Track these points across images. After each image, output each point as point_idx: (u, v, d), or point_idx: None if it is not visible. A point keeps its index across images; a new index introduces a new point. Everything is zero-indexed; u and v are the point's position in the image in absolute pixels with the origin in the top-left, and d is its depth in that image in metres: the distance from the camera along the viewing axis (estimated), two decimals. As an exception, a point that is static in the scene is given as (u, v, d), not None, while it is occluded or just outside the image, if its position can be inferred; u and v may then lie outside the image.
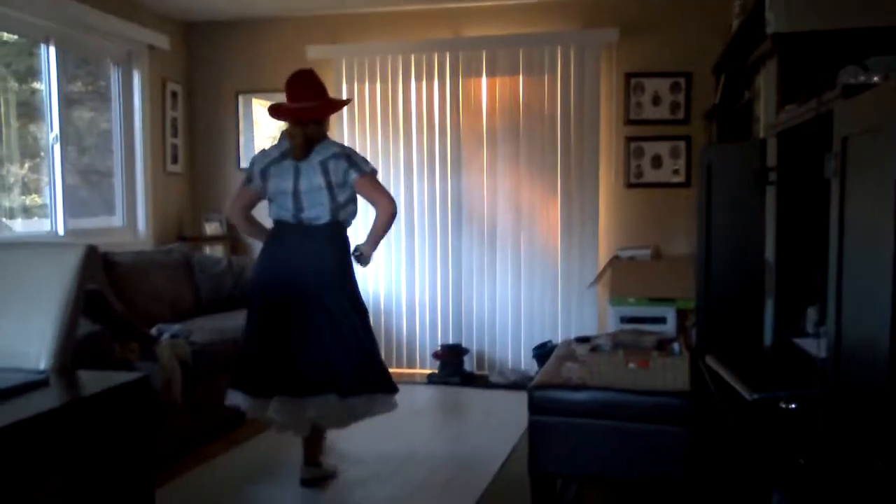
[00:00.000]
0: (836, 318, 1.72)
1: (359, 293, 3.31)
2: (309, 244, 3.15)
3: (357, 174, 3.11)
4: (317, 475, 3.28)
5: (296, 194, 3.12)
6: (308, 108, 3.12)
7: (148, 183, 5.14)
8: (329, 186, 3.09)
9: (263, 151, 3.28)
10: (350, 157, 3.13)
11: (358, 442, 3.71)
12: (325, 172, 3.08)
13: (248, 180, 3.27)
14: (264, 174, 3.18)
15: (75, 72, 4.77)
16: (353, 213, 3.25)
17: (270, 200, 3.23)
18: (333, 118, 3.76)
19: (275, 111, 3.24)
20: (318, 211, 3.13)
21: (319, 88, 3.22)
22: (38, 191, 4.48)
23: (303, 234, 3.16)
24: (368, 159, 3.25)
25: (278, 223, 3.23)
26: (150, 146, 5.15)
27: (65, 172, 4.49)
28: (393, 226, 3.34)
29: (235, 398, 3.21)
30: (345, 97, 5.16)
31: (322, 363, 3.11)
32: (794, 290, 2.49)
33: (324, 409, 3.12)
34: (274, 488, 3.22)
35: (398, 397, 3.31)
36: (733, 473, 2.59)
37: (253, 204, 3.34)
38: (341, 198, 3.14)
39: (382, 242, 3.37)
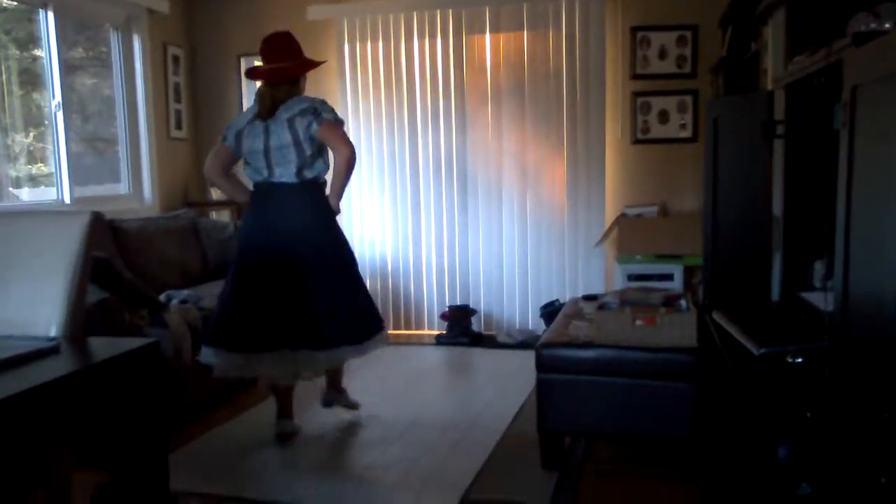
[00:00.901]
0: (844, 272, 1.71)
1: (341, 241, 3.34)
2: (284, 203, 3.19)
3: (318, 124, 3.12)
4: (341, 401, 3.55)
5: (266, 153, 3.16)
6: (279, 68, 3.18)
7: (152, 149, 5.12)
8: (296, 143, 3.13)
9: (240, 114, 3.35)
10: (315, 109, 3.15)
11: (366, 403, 3.74)
12: (293, 129, 3.12)
13: (224, 139, 3.33)
14: (238, 137, 3.25)
15: (75, 38, 4.73)
16: (323, 169, 3.26)
17: (246, 163, 3.27)
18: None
19: (250, 73, 3.34)
20: (286, 168, 3.16)
21: (294, 50, 3.27)
22: (43, 159, 4.48)
23: (277, 193, 3.20)
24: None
25: (255, 185, 3.28)
26: (153, 112, 5.12)
27: (69, 140, 4.48)
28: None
29: (209, 356, 3.23)
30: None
31: (325, 317, 3.19)
32: (802, 244, 2.48)
33: (334, 361, 3.29)
34: (283, 450, 3.26)
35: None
36: (740, 428, 2.61)
37: (231, 163, 3.38)
38: (308, 152, 3.15)
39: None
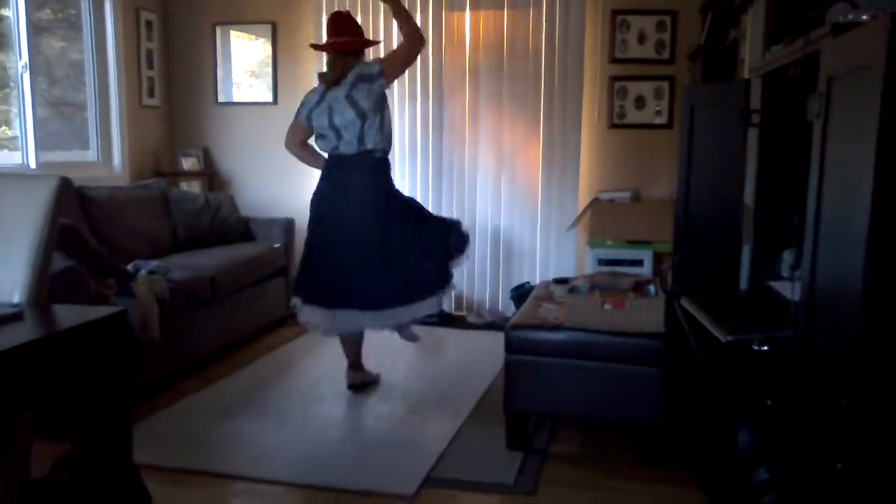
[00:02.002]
0: (811, 262, 1.73)
1: (404, 199, 3.73)
2: (349, 172, 3.50)
3: (381, 76, 3.46)
4: (365, 379, 3.74)
5: (333, 128, 3.47)
6: (345, 42, 3.51)
7: (123, 116, 5.02)
8: (361, 116, 3.43)
9: (311, 93, 3.61)
10: (369, 73, 3.46)
11: (333, 380, 3.74)
12: (353, 103, 3.42)
13: (297, 115, 3.61)
14: (309, 115, 3.54)
15: (44, -2, 4.60)
16: (386, 140, 3.54)
17: (318, 137, 3.57)
18: (308, 52, 3.90)
19: (318, 46, 3.78)
20: (349, 142, 3.46)
21: (355, 27, 3.60)
22: (7, 123, 4.36)
23: (344, 163, 3.51)
24: None
25: (328, 156, 3.58)
26: (124, 78, 5.01)
27: (35, 104, 4.37)
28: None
29: (307, 314, 3.54)
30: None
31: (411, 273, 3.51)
32: (772, 233, 2.51)
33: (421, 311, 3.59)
34: (251, 424, 3.25)
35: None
36: (705, 414, 2.65)
37: (307, 136, 3.65)
38: (370, 121, 3.44)
39: None
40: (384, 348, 4.07)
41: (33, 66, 4.34)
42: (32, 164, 4.35)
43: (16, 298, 2.05)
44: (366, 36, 3.69)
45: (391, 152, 3.59)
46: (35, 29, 4.39)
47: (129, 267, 3.65)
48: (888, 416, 1.47)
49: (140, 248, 4.24)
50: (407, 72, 5.09)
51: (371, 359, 3.83)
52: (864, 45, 1.50)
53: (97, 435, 1.97)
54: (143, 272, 3.65)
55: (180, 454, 2.91)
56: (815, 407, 1.70)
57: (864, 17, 1.64)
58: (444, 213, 5.12)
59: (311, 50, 3.95)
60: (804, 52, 1.96)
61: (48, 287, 2.18)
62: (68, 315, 2.04)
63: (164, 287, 3.61)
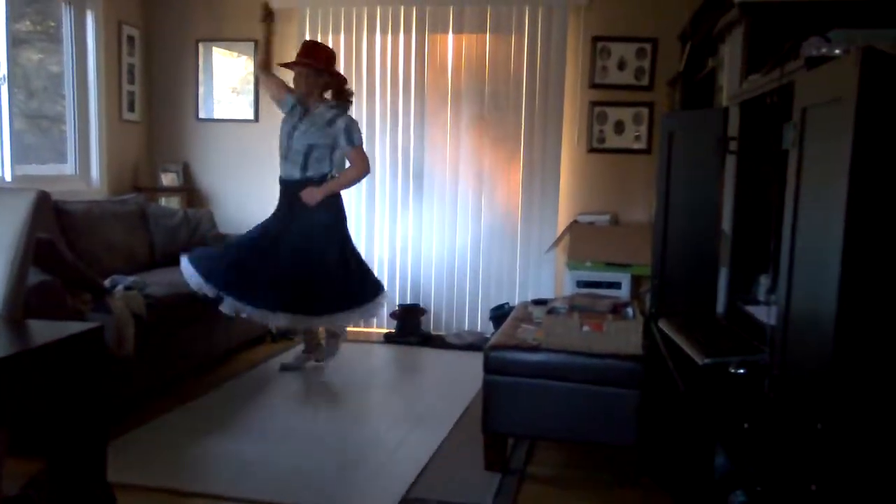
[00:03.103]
0: (787, 287, 1.77)
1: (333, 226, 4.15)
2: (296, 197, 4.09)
3: (349, 146, 4.05)
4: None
5: (287, 150, 4.11)
6: (308, 62, 4.01)
7: (102, 130, 4.99)
8: (316, 146, 4.02)
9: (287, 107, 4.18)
10: (349, 129, 4.06)
11: (313, 398, 3.71)
12: (319, 133, 4.04)
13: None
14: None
15: (23, 10, 4.58)
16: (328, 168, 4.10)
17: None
18: (290, 71, 4.06)
19: (285, 64, 4.18)
20: (294, 167, 4.09)
21: (323, 56, 4.09)
22: (-16, 134, 4.32)
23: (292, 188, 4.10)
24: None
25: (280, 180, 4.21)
26: (104, 92, 4.98)
27: (12, 116, 4.33)
28: (354, 184, 4.22)
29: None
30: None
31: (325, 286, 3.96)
32: (749, 258, 2.54)
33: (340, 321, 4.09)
34: (228, 442, 3.22)
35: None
36: (682, 437, 2.67)
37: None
38: (321, 156, 4.07)
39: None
40: (364, 367, 4.06)
41: (11, 78, 4.30)
42: (8, 178, 4.30)
43: (-10, 313, 2.02)
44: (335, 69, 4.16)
45: (371, 173, 3.95)
46: (14, 40, 4.36)
47: (107, 282, 3.61)
48: (861, 439, 1.50)
49: (117, 264, 4.20)
50: (389, 93, 5.18)
51: (350, 377, 3.81)
52: (836, 78, 1.54)
53: (71, 453, 1.95)
54: (119, 287, 3.61)
55: (156, 473, 2.87)
56: (790, 430, 1.73)
57: (837, 51, 1.69)
58: (399, 252, 5.33)
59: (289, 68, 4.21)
60: (780, 82, 2.00)
61: (23, 301, 2.15)
62: (43, 331, 2.02)
63: (140, 303, 3.57)
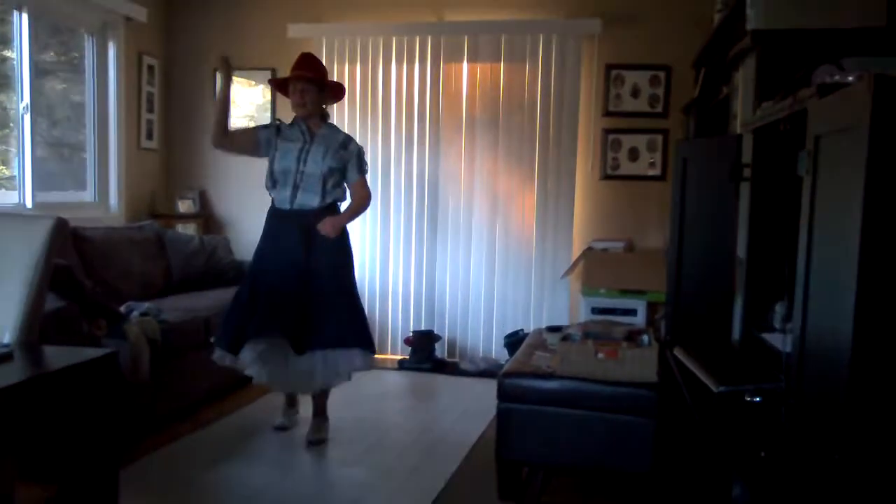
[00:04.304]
0: (802, 315, 1.75)
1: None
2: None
3: (358, 174, 3.64)
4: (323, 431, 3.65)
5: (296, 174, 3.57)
6: (306, 74, 3.53)
7: (121, 158, 5.06)
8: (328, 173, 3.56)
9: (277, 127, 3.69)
10: (360, 156, 3.66)
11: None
12: (329, 158, 3.56)
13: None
14: (268, 142, 3.62)
15: (47, 41, 4.67)
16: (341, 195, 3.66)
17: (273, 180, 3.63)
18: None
19: (278, 79, 3.74)
20: (311, 195, 3.60)
21: (319, 67, 3.63)
22: (5, 162, 4.40)
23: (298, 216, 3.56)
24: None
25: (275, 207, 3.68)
26: (124, 121, 5.07)
27: (34, 144, 4.40)
28: (369, 210, 3.84)
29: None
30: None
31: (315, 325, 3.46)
32: (764, 285, 2.52)
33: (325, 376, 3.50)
34: (240, 469, 3.21)
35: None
36: (698, 465, 2.63)
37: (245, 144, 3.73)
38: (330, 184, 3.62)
39: (356, 226, 3.86)
40: (377, 393, 4.05)
41: (34, 107, 4.39)
42: (29, 204, 4.37)
43: (6, 338, 2.04)
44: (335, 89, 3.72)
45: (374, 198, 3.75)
46: (38, 71, 4.46)
47: (122, 308, 3.64)
48: (879, 470, 1.47)
49: (134, 290, 4.23)
50: (404, 122, 5.22)
51: (362, 405, 3.80)
52: (849, 105, 1.54)
53: (83, 479, 1.95)
54: (135, 314, 3.64)
55: (168, 499, 2.86)
56: (807, 459, 1.70)
57: (850, 78, 1.69)
58: (413, 278, 5.29)
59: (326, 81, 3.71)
60: (792, 109, 2.00)
61: (39, 327, 2.17)
62: (58, 356, 2.03)
63: (155, 329, 3.60)
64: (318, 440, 3.55)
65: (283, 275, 3.44)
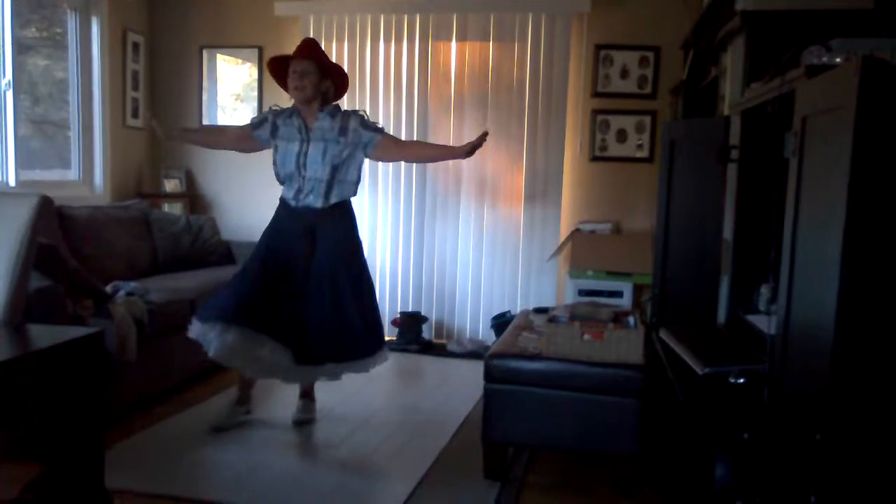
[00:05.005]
0: (787, 297, 1.76)
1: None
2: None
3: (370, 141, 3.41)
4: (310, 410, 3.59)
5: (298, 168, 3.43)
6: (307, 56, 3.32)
7: (106, 136, 5.00)
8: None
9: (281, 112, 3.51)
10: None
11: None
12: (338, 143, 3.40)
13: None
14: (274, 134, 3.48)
15: (29, 17, 4.60)
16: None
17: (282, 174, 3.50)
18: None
19: (276, 60, 3.42)
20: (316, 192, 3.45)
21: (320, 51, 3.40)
22: (-12, 140, 4.34)
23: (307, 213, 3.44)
24: None
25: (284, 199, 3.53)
26: (108, 99, 5.00)
27: (17, 122, 4.34)
28: (357, 192, 3.56)
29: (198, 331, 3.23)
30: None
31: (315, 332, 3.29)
32: (750, 268, 2.54)
33: (318, 373, 3.38)
34: (226, 450, 3.21)
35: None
36: (681, 446, 2.66)
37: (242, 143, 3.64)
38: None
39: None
40: (364, 374, 4.05)
41: (17, 84, 4.32)
42: (12, 182, 4.31)
43: (-10, 317, 2.03)
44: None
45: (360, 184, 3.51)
46: (20, 47, 4.39)
47: (108, 288, 3.62)
48: (860, 450, 1.49)
49: (120, 269, 4.21)
50: (392, 100, 5.18)
51: (349, 386, 3.80)
52: (837, 86, 1.54)
53: (69, 458, 1.94)
54: (121, 293, 3.62)
55: (153, 479, 2.86)
56: (790, 440, 1.72)
57: (838, 59, 1.69)
58: (401, 259, 5.24)
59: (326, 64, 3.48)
60: (781, 90, 2.00)
61: (24, 306, 2.15)
62: (43, 335, 2.02)
63: (142, 309, 3.58)
64: (305, 420, 3.55)
65: (281, 271, 3.31)
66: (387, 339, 4.86)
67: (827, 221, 1.53)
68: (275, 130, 3.41)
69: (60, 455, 1.93)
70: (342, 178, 3.37)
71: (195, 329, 3.23)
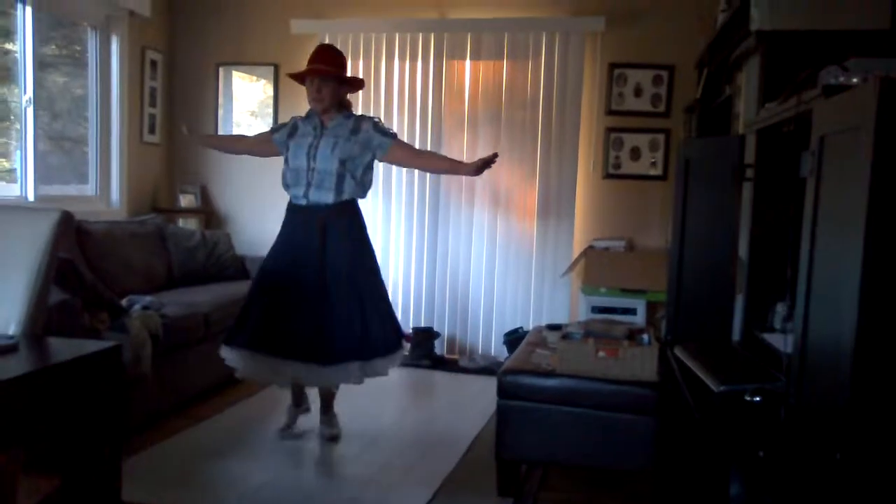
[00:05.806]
0: (804, 315, 1.76)
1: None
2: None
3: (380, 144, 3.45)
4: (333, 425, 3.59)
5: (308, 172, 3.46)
6: (325, 68, 3.37)
7: (123, 152, 5.06)
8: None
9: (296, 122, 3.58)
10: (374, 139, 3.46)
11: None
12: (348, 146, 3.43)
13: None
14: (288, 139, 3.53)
15: (49, 34, 4.67)
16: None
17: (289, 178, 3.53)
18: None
19: (298, 74, 3.45)
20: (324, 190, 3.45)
21: (339, 61, 3.45)
22: (6, 155, 4.40)
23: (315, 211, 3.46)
24: None
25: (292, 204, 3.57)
26: (126, 115, 5.07)
27: (36, 137, 4.40)
28: (369, 206, 3.61)
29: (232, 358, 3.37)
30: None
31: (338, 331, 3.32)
32: (765, 285, 2.53)
33: (344, 376, 3.37)
34: (239, 463, 3.21)
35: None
36: (696, 464, 2.64)
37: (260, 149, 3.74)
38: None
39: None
40: (376, 389, 4.05)
41: (36, 101, 4.39)
42: (31, 197, 4.37)
43: (11, 330, 2.05)
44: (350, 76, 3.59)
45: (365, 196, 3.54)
46: (40, 64, 4.46)
47: (124, 302, 3.65)
48: (880, 470, 1.48)
49: (135, 284, 4.24)
50: (406, 118, 5.22)
51: (362, 400, 3.81)
52: (854, 107, 1.55)
53: (86, 471, 1.96)
54: (136, 307, 3.65)
55: (169, 492, 2.87)
56: (807, 459, 1.71)
57: (854, 80, 1.69)
58: (413, 275, 5.26)
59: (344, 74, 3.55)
60: (797, 110, 2.01)
61: (45, 320, 2.18)
62: (64, 348, 2.05)
63: (157, 323, 3.60)
64: (334, 435, 3.53)
65: (296, 280, 3.32)
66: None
67: (845, 240, 1.53)
68: (294, 131, 3.47)
69: (78, 467, 1.94)
70: (352, 171, 3.37)
71: (225, 353, 3.39)
